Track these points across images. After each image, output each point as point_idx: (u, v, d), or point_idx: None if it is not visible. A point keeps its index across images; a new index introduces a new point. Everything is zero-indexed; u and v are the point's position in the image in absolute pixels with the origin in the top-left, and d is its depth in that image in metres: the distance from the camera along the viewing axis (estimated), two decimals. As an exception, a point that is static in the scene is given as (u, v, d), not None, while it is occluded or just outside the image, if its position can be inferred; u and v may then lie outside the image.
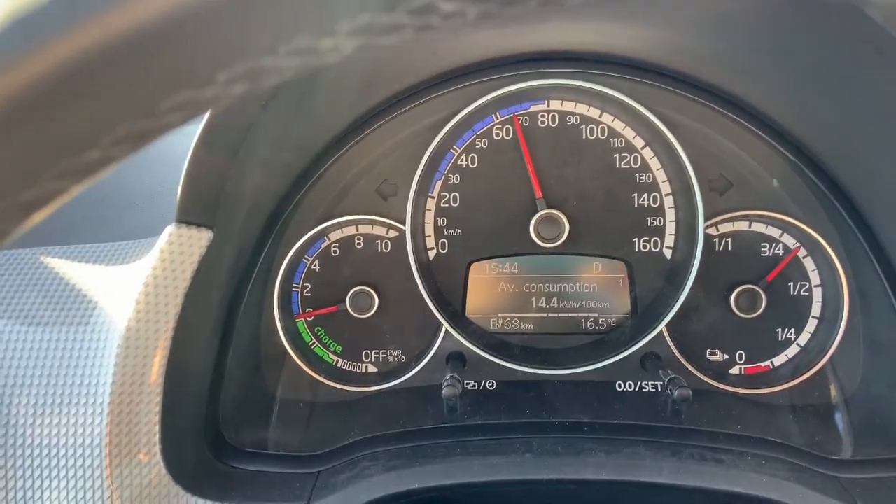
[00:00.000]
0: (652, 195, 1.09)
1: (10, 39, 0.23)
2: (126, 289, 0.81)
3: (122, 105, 0.26)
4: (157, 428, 0.81)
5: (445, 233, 1.11)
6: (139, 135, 0.28)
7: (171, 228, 0.82)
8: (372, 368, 1.13)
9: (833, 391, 1.04)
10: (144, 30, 0.24)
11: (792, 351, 1.08)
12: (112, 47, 0.24)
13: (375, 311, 1.10)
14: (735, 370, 1.09)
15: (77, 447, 0.77)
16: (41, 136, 0.26)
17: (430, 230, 1.11)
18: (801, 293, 1.07)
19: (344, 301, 1.10)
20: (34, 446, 0.76)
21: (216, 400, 0.95)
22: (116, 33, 0.24)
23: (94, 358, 0.79)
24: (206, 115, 0.81)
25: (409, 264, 1.07)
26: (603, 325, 1.12)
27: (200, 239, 0.83)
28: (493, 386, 1.07)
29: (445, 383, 0.96)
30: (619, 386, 1.06)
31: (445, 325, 1.07)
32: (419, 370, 1.08)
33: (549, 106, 1.09)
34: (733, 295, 1.05)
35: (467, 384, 1.07)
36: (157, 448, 0.80)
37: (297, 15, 0.26)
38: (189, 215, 0.82)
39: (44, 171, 0.27)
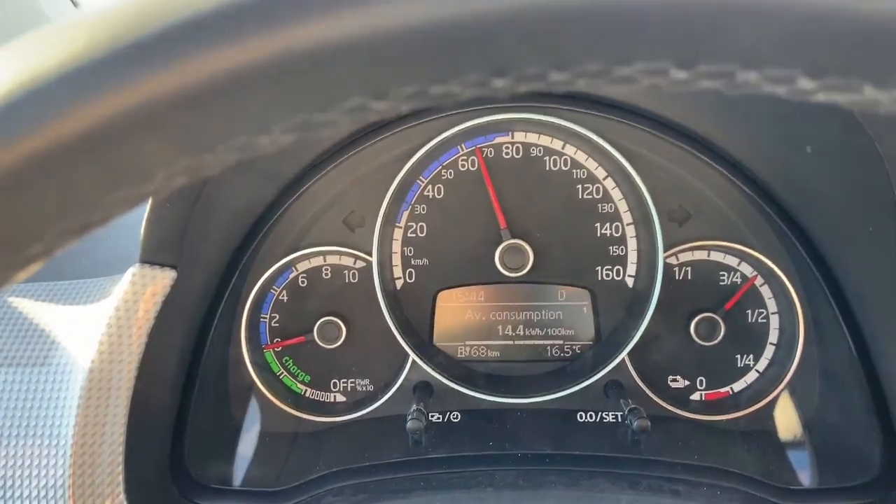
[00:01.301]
0: (614, 225, 1.11)
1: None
2: (89, 328, 0.81)
3: (65, 202, 0.28)
4: (121, 469, 0.81)
5: (412, 262, 1.13)
6: (82, 227, 0.29)
7: (134, 269, 0.83)
8: (340, 398, 1.14)
9: (790, 418, 1.06)
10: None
11: (751, 377, 1.10)
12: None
13: (343, 341, 1.11)
14: (696, 396, 1.11)
15: (40, 489, 0.77)
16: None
17: (397, 260, 1.13)
18: (759, 320, 1.10)
19: (312, 331, 1.11)
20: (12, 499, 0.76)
21: (181, 436, 0.95)
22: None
23: (57, 399, 0.79)
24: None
25: (377, 294, 1.08)
26: (568, 352, 1.14)
27: (164, 279, 0.84)
28: (457, 418, 1.09)
29: (410, 417, 0.98)
30: (581, 416, 1.08)
31: (412, 356, 1.08)
32: (386, 400, 1.09)
33: (513, 138, 1.11)
34: (693, 322, 1.08)
35: (432, 416, 1.08)
36: (121, 489, 0.81)
37: (235, 119, 0.27)
38: (152, 256, 0.83)
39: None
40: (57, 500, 0.77)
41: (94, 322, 0.81)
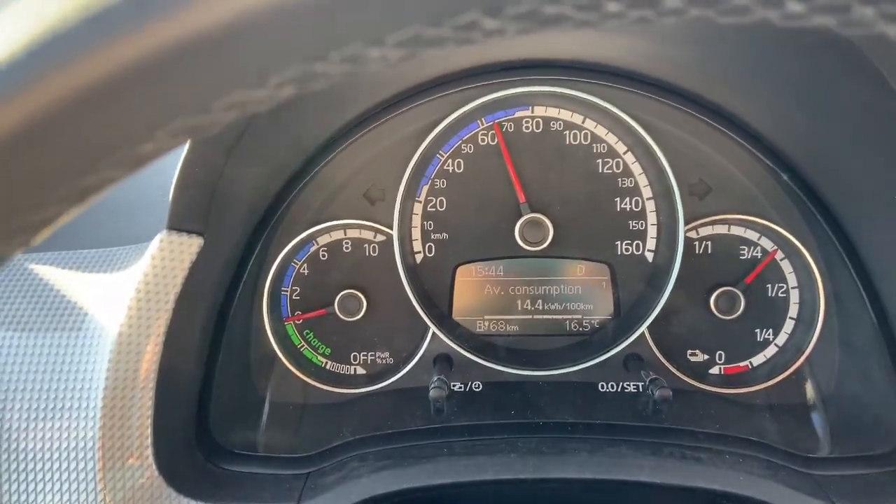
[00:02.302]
0: (634, 199, 1.11)
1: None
2: (118, 295, 0.82)
3: (132, 127, 0.28)
4: (149, 431, 0.82)
5: (432, 236, 1.13)
6: (140, 156, 0.29)
7: (162, 235, 0.84)
8: (360, 370, 1.14)
9: (810, 391, 1.07)
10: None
11: (770, 351, 1.11)
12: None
13: (364, 315, 1.12)
14: (715, 370, 1.12)
15: (70, 451, 0.79)
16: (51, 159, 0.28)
17: (417, 234, 1.13)
18: (779, 295, 1.10)
19: (332, 304, 1.12)
20: (28, 450, 0.77)
21: (206, 402, 0.96)
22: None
23: (87, 363, 0.80)
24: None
25: (397, 268, 1.09)
26: (587, 327, 1.14)
27: (191, 245, 0.84)
28: (479, 387, 1.10)
29: (433, 385, 0.98)
30: (602, 386, 1.08)
31: (432, 328, 1.09)
32: (407, 372, 1.10)
33: (533, 112, 1.11)
34: (713, 297, 1.08)
35: (454, 386, 1.09)
36: (150, 451, 0.82)
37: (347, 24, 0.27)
38: (180, 222, 0.84)
39: (52, 193, 0.28)
40: (86, 459, 0.78)
41: (123, 288, 0.82)
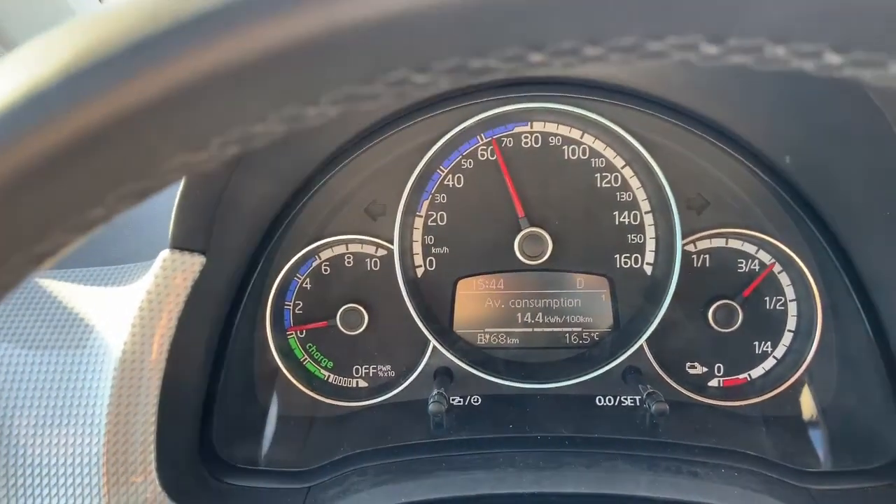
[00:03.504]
0: (632, 213, 1.12)
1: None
2: (122, 312, 0.84)
3: (129, 167, 0.29)
4: (153, 447, 0.84)
5: (433, 251, 1.15)
6: (140, 192, 0.31)
7: (164, 254, 0.85)
8: (362, 383, 1.16)
9: (808, 403, 1.07)
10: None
11: (769, 364, 1.11)
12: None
13: (365, 328, 1.13)
14: (714, 383, 1.13)
15: (75, 467, 0.80)
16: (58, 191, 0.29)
17: (417, 248, 1.15)
18: (777, 307, 1.10)
19: (335, 317, 1.13)
20: (34, 466, 0.79)
21: (210, 417, 0.98)
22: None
23: (91, 380, 0.82)
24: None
25: (398, 282, 1.11)
26: (586, 339, 1.16)
27: (193, 264, 0.86)
28: (478, 401, 1.11)
29: (432, 400, 1.00)
30: (600, 400, 1.09)
31: (433, 341, 1.10)
32: (408, 385, 1.11)
33: (532, 127, 1.12)
34: (711, 310, 1.09)
35: (453, 400, 1.10)
36: (153, 466, 0.84)
37: (286, 88, 0.29)
38: (182, 241, 0.85)
39: (55, 225, 0.30)
40: (91, 475, 0.80)
41: (126, 306, 0.84)
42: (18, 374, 0.81)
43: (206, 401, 0.98)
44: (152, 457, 0.84)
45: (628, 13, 0.27)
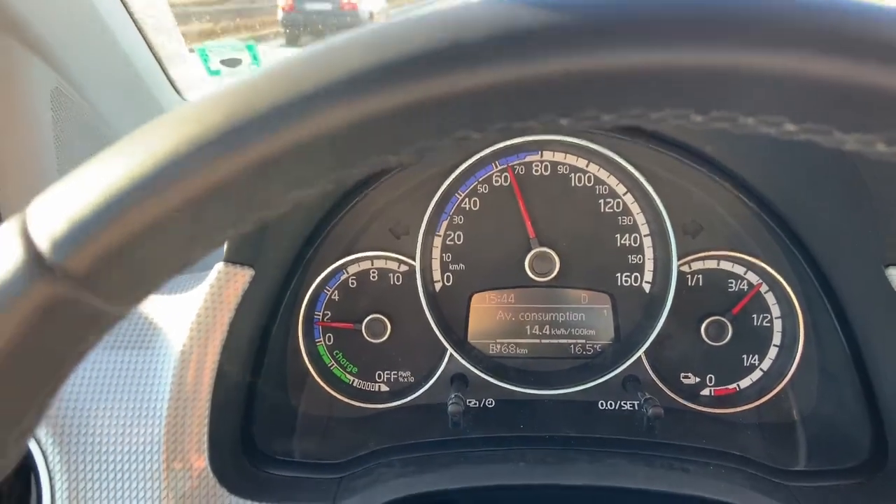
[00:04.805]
0: (633, 236, 1.24)
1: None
2: (182, 318, 0.95)
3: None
4: (206, 437, 0.94)
5: (450, 267, 1.26)
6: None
7: (219, 266, 0.96)
8: (384, 388, 1.27)
9: (791, 411, 1.18)
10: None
11: (756, 375, 1.22)
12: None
13: (388, 337, 1.24)
14: (706, 392, 1.23)
15: (139, 453, 0.91)
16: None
17: (436, 265, 1.26)
18: (764, 324, 1.21)
19: (360, 323, 1.24)
20: (104, 452, 0.89)
21: (251, 414, 1.08)
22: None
23: (155, 377, 0.93)
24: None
25: (418, 295, 1.21)
26: (590, 351, 1.26)
27: (244, 276, 0.97)
28: (492, 404, 1.21)
29: (451, 401, 1.10)
30: (602, 405, 1.20)
31: (450, 350, 1.21)
32: (426, 390, 1.22)
33: (542, 157, 1.24)
34: (703, 325, 1.20)
35: (469, 402, 1.21)
36: (205, 455, 0.94)
37: (379, 142, 0.38)
38: (235, 256, 0.96)
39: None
40: (153, 459, 0.91)
41: (187, 311, 0.95)
42: (98, 372, 0.91)
43: (248, 398, 1.08)
44: (205, 446, 0.94)
45: (640, 94, 0.36)
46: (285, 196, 0.34)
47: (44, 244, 0.30)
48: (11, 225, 0.31)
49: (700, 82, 0.33)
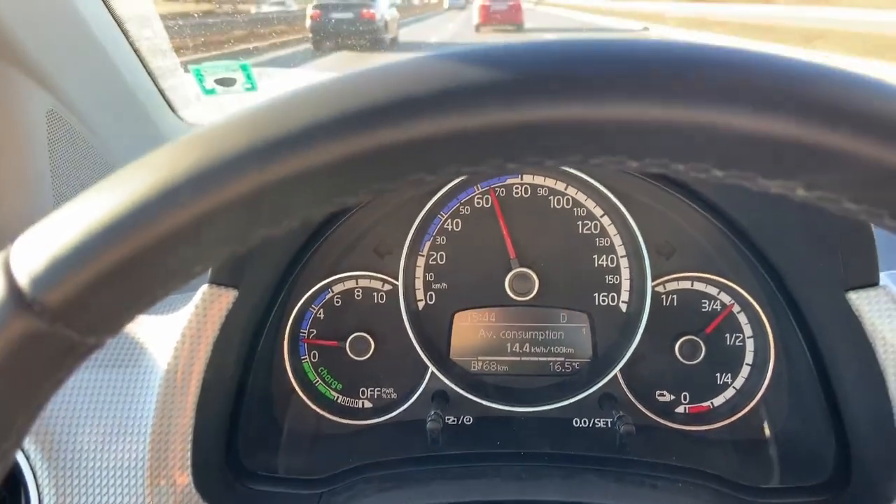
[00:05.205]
0: (609, 257, 1.27)
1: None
2: (167, 338, 0.98)
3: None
4: (189, 454, 0.98)
5: (433, 286, 1.29)
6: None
7: (204, 287, 1.00)
8: (368, 404, 1.30)
9: (763, 429, 1.21)
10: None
11: (729, 393, 1.25)
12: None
13: (371, 354, 1.27)
14: (680, 409, 1.26)
15: (124, 469, 0.94)
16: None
17: (419, 284, 1.29)
18: (736, 343, 1.25)
19: (344, 341, 1.27)
20: (92, 467, 0.93)
21: (235, 430, 1.11)
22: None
23: (140, 395, 0.96)
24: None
25: (401, 314, 1.25)
26: (568, 368, 1.30)
27: (228, 297, 1.00)
28: (469, 421, 1.25)
29: (429, 419, 1.14)
30: (576, 422, 1.23)
31: (432, 367, 1.24)
32: (408, 406, 1.25)
33: (522, 179, 1.27)
34: (677, 344, 1.23)
35: (448, 419, 1.24)
36: (189, 471, 0.97)
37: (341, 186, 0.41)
38: (220, 277, 1.00)
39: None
40: (137, 475, 0.94)
41: (171, 331, 0.98)
42: (83, 390, 0.95)
43: (232, 415, 1.11)
44: (188, 462, 0.97)
45: (581, 141, 0.39)
46: (252, 234, 0.38)
47: (23, 280, 0.32)
48: None
49: (629, 134, 0.36)
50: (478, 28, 26.22)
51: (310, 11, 15.09)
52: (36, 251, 0.33)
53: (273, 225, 0.38)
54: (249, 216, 0.36)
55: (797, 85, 0.33)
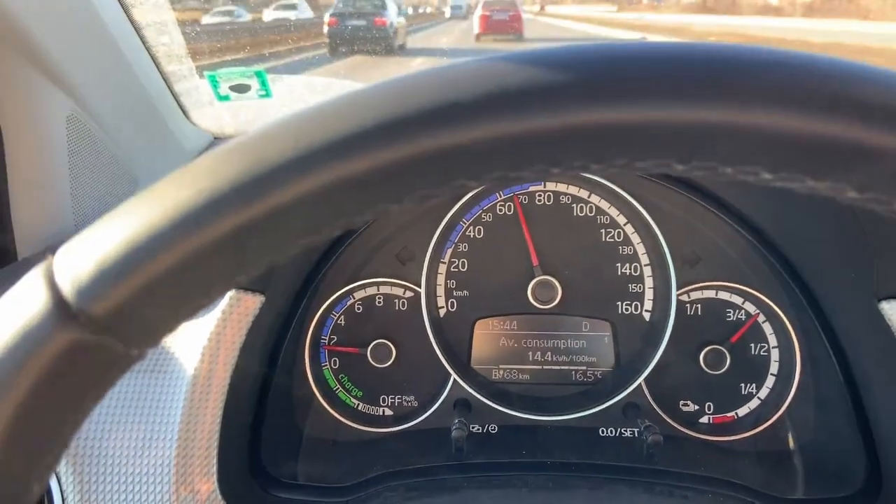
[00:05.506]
0: (633, 265, 1.26)
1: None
2: (194, 343, 0.97)
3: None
4: (215, 460, 0.96)
5: (455, 293, 1.29)
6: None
7: (231, 293, 0.99)
8: (388, 412, 1.29)
9: (787, 440, 1.20)
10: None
11: (753, 403, 1.24)
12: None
13: (393, 362, 1.26)
14: (704, 419, 1.25)
15: (150, 475, 0.93)
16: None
17: (441, 291, 1.28)
18: (761, 353, 1.24)
19: (365, 348, 1.26)
20: (121, 473, 0.91)
21: (258, 437, 1.10)
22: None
23: (167, 401, 0.95)
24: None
25: (423, 321, 1.24)
26: (591, 377, 1.29)
27: (254, 303, 1.00)
28: (494, 429, 1.24)
29: (454, 427, 1.13)
30: (603, 431, 1.22)
31: (454, 375, 1.23)
32: (430, 414, 1.24)
33: (545, 187, 1.27)
34: (702, 353, 1.22)
35: (472, 427, 1.23)
36: (215, 477, 0.96)
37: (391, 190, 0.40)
38: (246, 283, 0.99)
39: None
40: (164, 481, 0.92)
41: (198, 337, 0.97)
42: (111, 395, 0.94)
43: (255, 421, 1.10)
44: (214, 469, 0.96)
45: (625, 146, 0.39)
46: (295, 242, 0.37)
47: (68, 290, 0.32)
48: (38, 272, 0.34)
49: (678, 137, 0.36)
50: (478, 38, 26.33)
51: (327, 19, 16.58)
52: (80, 262, 0.33)
53: (314, 233, 0.37)
54: (292, 225, 0.36)
55: (849, 85, 0.33)
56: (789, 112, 0.34)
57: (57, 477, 0.91)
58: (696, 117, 0.34)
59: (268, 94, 2.03)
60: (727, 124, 0.34)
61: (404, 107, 0.35)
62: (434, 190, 0.38)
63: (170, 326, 0.38)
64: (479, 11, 27.08)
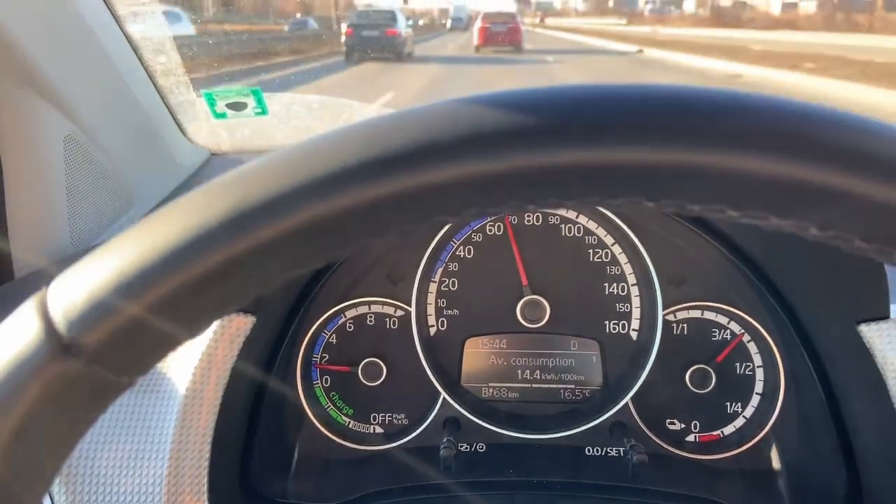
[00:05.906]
0: (620, 285, 1.28)
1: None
2: (186, 363, 0.99)
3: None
4: (206, 478, 0.98)
5: (445, 313, 1.30)
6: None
7: (223, 314, 1.01)
8: (379, 430, 1.30)
9: (771, 458, 1.22)
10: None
11: (739, 422, 1.26)
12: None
13: (383, 380, 1.28)
14: (691, 438, 1.27)
15: (140, 495, 0.94)
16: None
17: (431, 310, 1.30)
18: (746, 373, 1.25)
19: (357, 366, 1.28)
20: (113, 492, 0.93)
21: (249, 455, 1.12)
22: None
23: (159, 420, 0.97)
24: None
25: (413, 340, 1.26)
26: (579, 396, 1.30)
27: (245, 323, 1.01)
28: (482, 448, 1.25)
29: (443, 445, 1.14)
30: (589, 450, 1.24)
31: (443, 394, 1.25)
32: (420, 432, 1.25)
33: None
34: (688, 373, 1.24)
35: (461, 446, 1.24)
36: (205, 495, 0.98)
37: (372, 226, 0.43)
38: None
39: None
40: (154, 497, 0.94)
41: (190, 357, 0.99)
42: (105, 415, 0.95)
43: (246, 439, 1.12)
44: (205, 487, 0.98)
45: (586, 184, 0.41)
46: (281, 276, 0.40)
47: (60, 323, 0.34)
48: (33, 303, 0.35)
49: (645, 177, 0.38)
50: (477, 49, 26.51)
51: (343, 29, 19.42)
52: (73, 294, 0.35)
53: (299, 267, 0.39)
54: (278, 260, 0.38)
55: (806, 128, 0.35)
56: (750, 155, 0.36)
57: (50, 496, 0.93)
58: (660, 159, 0.37)
59: (264, 112, 2.06)
60: (691, 166, 0.36)
61: (383, 147, 0.37)
62: (414, 225, 0.40)
63: (161, 354, 0.39)
64: (478, 23, 27.27)
